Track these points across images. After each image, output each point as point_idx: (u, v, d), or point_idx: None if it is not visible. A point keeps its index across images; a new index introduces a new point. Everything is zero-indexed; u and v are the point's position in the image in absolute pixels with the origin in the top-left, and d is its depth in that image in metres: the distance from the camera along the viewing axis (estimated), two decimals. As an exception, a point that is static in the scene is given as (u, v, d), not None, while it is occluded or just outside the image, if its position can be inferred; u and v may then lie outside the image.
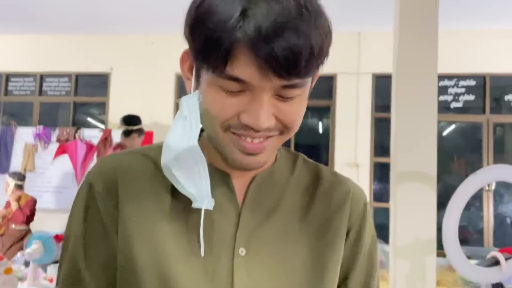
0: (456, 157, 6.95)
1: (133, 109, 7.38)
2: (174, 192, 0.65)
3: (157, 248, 0.63)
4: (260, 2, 0.54)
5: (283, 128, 0.63)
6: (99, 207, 0.66)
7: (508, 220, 6.72)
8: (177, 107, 7.49)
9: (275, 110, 0.61)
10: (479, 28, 6.48)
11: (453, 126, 7.00)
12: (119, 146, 3.48)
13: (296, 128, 0.65)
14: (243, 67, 0.56)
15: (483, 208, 6.50)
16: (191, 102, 0.61)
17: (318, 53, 0.57)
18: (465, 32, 6.40)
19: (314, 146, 7.58)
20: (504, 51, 6.56)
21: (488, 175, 1.86)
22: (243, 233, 0.66)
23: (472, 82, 6.76)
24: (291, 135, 0.67)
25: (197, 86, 0.63)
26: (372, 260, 0.75)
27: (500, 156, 6.84)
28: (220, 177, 0.69)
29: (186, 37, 0.62)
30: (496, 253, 1.98)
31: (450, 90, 6.79)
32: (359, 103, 6.92)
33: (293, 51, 0.54)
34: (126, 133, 3.53)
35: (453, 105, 6.71)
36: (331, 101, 7.07)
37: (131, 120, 3.58)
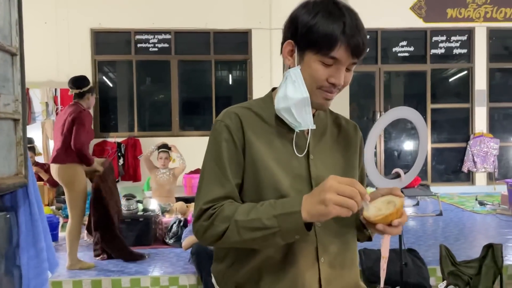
0: (352, 102, 7.89)
1: (48, 66, 7.21)
2: (275, 128, 1.13)
3: (271, 159, 1.09)
4: (347, 20, 1.02)
5: (342, 87, 1.10)
6: (234, 138, 1.09)
7: (395, 153, 8.13)
8: (95, 63, 7.48)
9: (344, 76, 1.09)
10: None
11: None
12: (76, 104, 3.69)
13: (344, 88, 1.13)
14: (340, 52, 1.03)
15: (376, 144, 7.76)
16: (296, 72, 1.07)
17: (367, 45, 1.08)
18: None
19: (232, 97, 8.13)
20: (391, 8, 7.61)
21: (394, 114, 2.62)
22: (311, 147, 1.15)
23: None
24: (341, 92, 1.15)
25: (299, 62, 1.08)
26: (363, 168, 1.29)
27: (388, 99, 8.09)
28: None
29: (297, 34, 1.06)
30: (398, 169, 2.81)
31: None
32: (273, 58, 7.59)
33: (364, 44, 1.04)
34: (80, 95, 3.74)
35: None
36: (247, 55, 7.64)
37: (81, 83, 3.76)
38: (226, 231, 1.02)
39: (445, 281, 2.75)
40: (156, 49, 7.59)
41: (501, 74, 8.15)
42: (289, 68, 1.11)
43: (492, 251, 2.82)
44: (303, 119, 1.09)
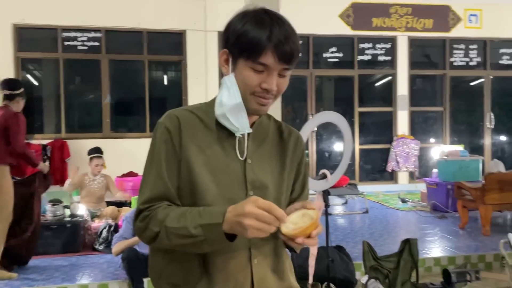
0: (286, 105, 8.12)
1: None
2: (215, 132, 1.15)
3: (207, 163, 1.12)
4: (275, 27, 1.06)
5: (277, 93, 1.13)
6: (173, 141, 1.12)
7: (326, 154, 8.46)
8: (18, 60, 7.03)
9: (277, 82, 1.11)
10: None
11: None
12: (6, 107, 3.53)
13: (280, 94, 1.15)
14: (268, 58, 1.06)
15: (308, 146, 8.03)
16: (231, 79, 1.12)
17: (299, 52, 1.11)
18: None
19: (166, 98, 8.01)
20: (322, 15, 7.92)
21: (320, 118, 2.75)
22: (249, 151, 1.17)
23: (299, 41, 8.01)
24: (277, 99, 1.16)
25: (233, 70, 1.12)
26: (305, 177, 1.31)
27: (319, 102, 8.41)
28: None
29: (229, 42, 1.11)
30: (324, 170, 2.96)
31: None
32: (208, 59, 7.59)
33: (292, 50, 1.07)
34: (10, 98, 3.58)
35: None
36: (182, 56, 7.57)
37: (14, 85, 3.63)
38: (159, 235, 1.05)
39: (367, 275, 2.93)
40: (85, 47, 7.29)
41: (420, 80, 8.78)
42: (225, 75, 1.15)
43: (409, 246, 3.05)
44: (240, 124, 1.13)
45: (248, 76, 1.09)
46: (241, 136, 1.16)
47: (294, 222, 1.01)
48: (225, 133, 1.16)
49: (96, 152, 5.24)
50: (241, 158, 1.16)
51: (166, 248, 1.12)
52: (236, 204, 0.99)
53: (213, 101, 1.20)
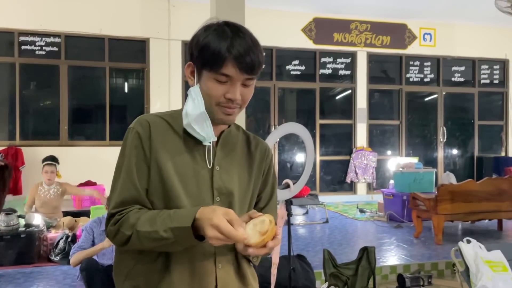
0: (249, 116, 8.17)
1: None
2: (184, 140, 1.17)
3: (176, 169, 1.15)
4: (236, 39, 1.10)
5: (242, 103, 1.16)
6: (144, 146, 1.14)
7: (288, 165, 8.58)
8: (9, 66, 6.74)
9: (241, 92, 1.14)
10: (270, 8, 7.82)
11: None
12: None
13: (247, 103, 1.18)
14: (229, 69, 1.09)
15: (270, 156, 8.10)
16: (196, 90, 1.15)
17: (262, 61, 1.14)
18: (261, 10, 7.60)
19: (127, 105, 7.87)
20: (285, 29, 8.09)
21: (284, 129, 2.82)
22: (217, 159, 1.20)
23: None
24: (243, 108, 1.19)
25: (198, 81, 1.16)
26: (273, 187, 1.34)
27: (282, 114, 8.54)
28: None
29: (194, 55, 1.14)
30: (288, 180, 3.02)
31: (247, 59, 7.96)
32: (171, 67, 7.55)
33: (253, 61, 1.10)
34: None
35: (248, 72, 7.96)
36: (145, 64, 7.49)
37: None
38: (131, 238, 1.08)
39: (327, 283, 3.00)
40: (43, 52, 7.08)
41: (378, 94, 9.11)
42: (190, 87, 1.18)
43: (367, 254, 3.15)
44: (205, 133, 1.16)
45: (212, 87, 1.12)
46: (209, 144, 1.19)
47: (252, 234, 1.03)
48: (193, 141, 1.19)
49: (48, 159, 5.05)
50: (206, 166, 1.19)
51: (131, 252, 1.14)
52: (207, 207, 1.03)
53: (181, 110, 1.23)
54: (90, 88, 7.63)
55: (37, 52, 7.05)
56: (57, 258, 4.09)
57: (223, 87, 1.12)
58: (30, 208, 4.89)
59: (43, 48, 7.08)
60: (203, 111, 1.14)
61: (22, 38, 6.98)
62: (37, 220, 4.41)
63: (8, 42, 6.95)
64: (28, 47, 7.02)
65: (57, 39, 7.12)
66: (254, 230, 1.04)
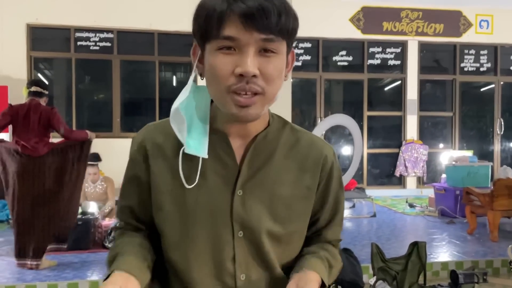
0: (294, 107, 8.14)
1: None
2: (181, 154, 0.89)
3: (174, 187, 0.91)
4: None
5: (265, 84, 0.81)
6: (140, 158, 0.96)
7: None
8: (30, 59, 7.13)
9: (258, 64, 0.81)
10: None
11: (291, 81, 8.17)
12: (34, 101, 3.86)
13: (274, 87, 0.83)
14: (231, 27, 0.79)
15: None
16: (190, 82, 0.90)
17: (284, 13, 0.79)
18: (308, 0, 7.50)
19: (175, 99, 8.03)
20: (332, 19, 7.95)
21: (331, 121, 2.78)
22: (241, 180, 0.89)
23: (308, 45, 8.07)
24: (271, 95, 0.84)
25: (204, 64, 0.87)
26: (336, 205, 1.00)
27: (328, 106, 8.43)
28: (220, 136, 0.91)
29: (193, 29, 0.86)
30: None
31: (293, 51, 7.93)
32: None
33: (262, 7, 0.77)
34: (40, 95, 3.93)
35: (294, 64, 7.92)
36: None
37: (44, 85, 3.99)
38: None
39: (375, 277, 2.95)
40: (97, 47, 7.38)
41: (430, 85, 8.77)
42: (200, 75, 0.92)
43: (417, 249, 3.06)
44: (182, 137, 0.90)
45: (217, 62, 0.82)
46: (198, 156, 0.90)
47: None
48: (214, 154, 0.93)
49: (90, 159, 5.16)
50: (224, 189, 0.91)
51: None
52: (118, 274, 0.82)
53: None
54: (140, 81, 7.89)
55: (91, 47, 7.36)
56: (110, 245, 4.28)
57: (231, 58, 0.81)
58: (83, 198, 5.11)
59: (97, 43, 7.38)
60: (176, 107, 0.87)
61: (77, 34, 7.31)
62: (93, 208, 4.63)
63: (65, 38, 7.30)
64: (83, 43, 7.34)
65: (110, 35, 7.39)
66: None
